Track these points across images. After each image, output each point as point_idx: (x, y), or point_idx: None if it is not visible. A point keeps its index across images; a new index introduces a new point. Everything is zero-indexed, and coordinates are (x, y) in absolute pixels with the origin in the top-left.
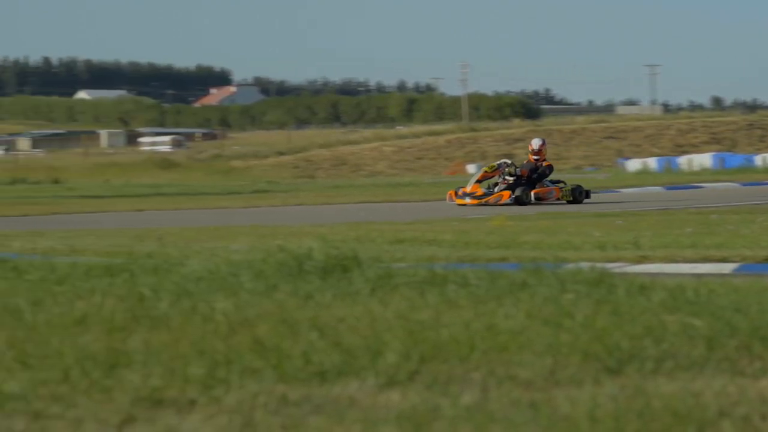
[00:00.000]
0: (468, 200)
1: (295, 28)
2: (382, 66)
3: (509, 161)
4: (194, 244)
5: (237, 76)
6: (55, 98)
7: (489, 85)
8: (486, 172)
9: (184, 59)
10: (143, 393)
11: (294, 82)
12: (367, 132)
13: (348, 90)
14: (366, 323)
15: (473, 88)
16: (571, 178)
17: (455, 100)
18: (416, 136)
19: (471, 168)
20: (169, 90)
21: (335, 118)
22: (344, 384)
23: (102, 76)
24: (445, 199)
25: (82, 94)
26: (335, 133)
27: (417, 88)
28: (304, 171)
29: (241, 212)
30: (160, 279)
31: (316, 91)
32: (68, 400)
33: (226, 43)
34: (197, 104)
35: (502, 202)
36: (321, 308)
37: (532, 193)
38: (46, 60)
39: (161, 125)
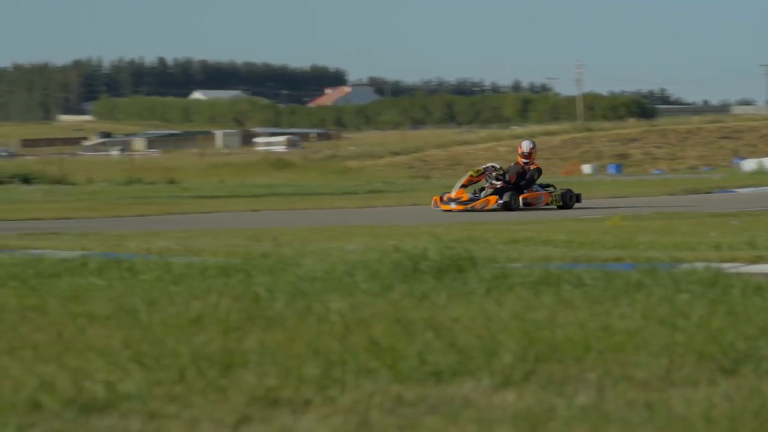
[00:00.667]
0: (453, 206)
1: (410, 29)
2: (497, 66)
3: (497, 165)
4: (309, 244)
5: (352, 76)
6: (170, 99)
7: (604, 85)
8: (472, 176)
9: (299, 59)
10: (258, 393)
11: (409, 82)
12: (482, 132)
13: (463, 90)
14: (481, 323)
15: (588, 88)
16: (685, 179)
17: (570, 100)
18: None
19: (586, 168)
20: (284, 90)
21: (450, 118)
22: (459, 384)
23: (217, 76)
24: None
25: (197, 95)
26: (450, 133)
27: (532, 88)
28: (419, 171)
29: (356, 212)
30: (276, 279)
31: (431, 91)
32: (184, 400)
33: (342, 43)
34: (312, 104)
35: (488, 207)
36: (436, 308)
37: (521, 198)
38: (162, 61)
39: (276, 125)
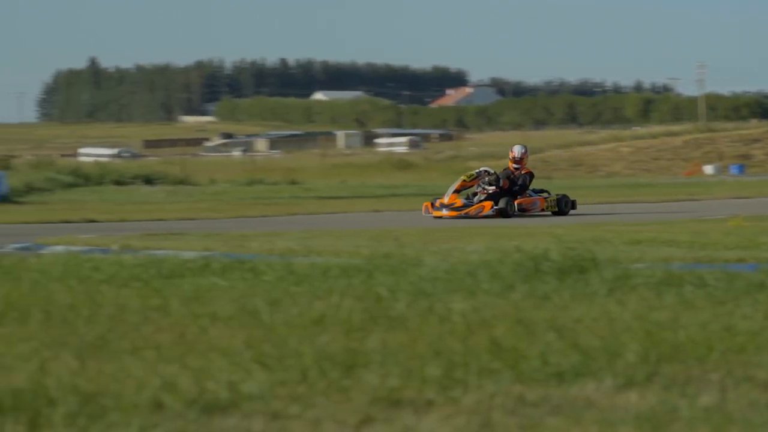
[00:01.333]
0: (445, 212)
1: (532, 29)
2: (618, 66)
3: (491, 170)
4: (431, 244)
5: (473, 76)
6: (292, 99)
7: (726, 86)
8: (464, 181)
9: (420, 60)
10: (381, 393)
11: (530, 82)
12: (604, 132)
13: (584, 90)
14: (603, 324)
15: (710, 88)
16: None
17: (692, 101)
18: (653, 136)
19: (708, 169)
20: (406, 91)
21: (571, 118)
22: (582, 385)
23: (338, 77)
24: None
25: (318, 95)
26: (572, 133)
27: (653, 89)
28: (540, 172)
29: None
30: (398, 279)
31: (553, 91)
32: (306, 400)
33: (463, 44)
34: (434, 105)
35: (483, 213)
36: (558, 309)
37: (515, 204)
38: (283, 61)
39: (398, 126)
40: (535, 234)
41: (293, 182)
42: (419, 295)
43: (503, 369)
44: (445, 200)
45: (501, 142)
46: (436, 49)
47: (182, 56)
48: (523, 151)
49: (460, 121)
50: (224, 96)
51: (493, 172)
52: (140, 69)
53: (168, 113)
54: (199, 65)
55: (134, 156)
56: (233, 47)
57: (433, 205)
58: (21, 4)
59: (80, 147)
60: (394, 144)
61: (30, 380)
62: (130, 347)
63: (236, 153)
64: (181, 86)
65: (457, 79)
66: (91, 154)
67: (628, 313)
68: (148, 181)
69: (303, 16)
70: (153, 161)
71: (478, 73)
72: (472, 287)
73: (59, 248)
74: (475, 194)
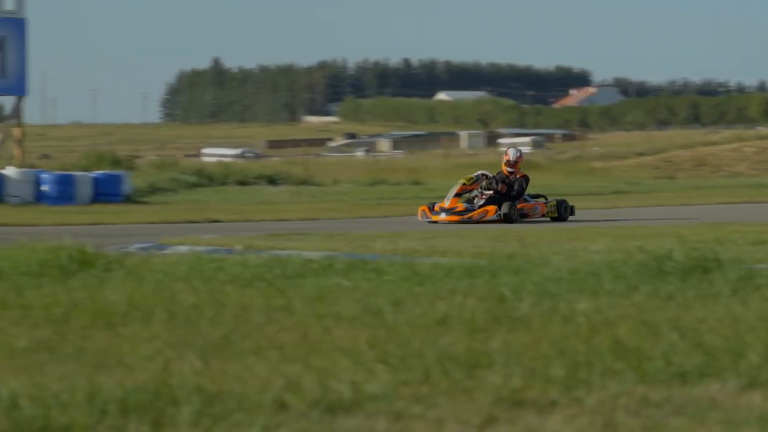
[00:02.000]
0: (444, 216)
1: (655, 29)
2: (742, 66)
3: (489, 174)
4: (554, 244)
5: (596, 76)
6: (414, 100)
7: None
8: (464, 185)
9: (543, 60)
10: (504, 393)
11: (654, 82)
12: (727, 132)
13: (708, 90)
14: (727, 324)
15: None
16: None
17: None
18: None
19: None
20: (529, 91)
21: (695, 118)
22: (705, 385)
23: (462, 77)
24: None
25: (441, 96)
26: (695, 133)
27: None
28: (663, 172)
29: (601, 213)
30: (521, 280)
31: (676, 91)
32: (429, 400)
33: (586, 44)
34: (556, 105)
35: (487, 218)
36: (681, 309)
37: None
38: (407, 62)
39: (521, 126)
40: (658, 234)
41: (416, 182)
42: (543, 295)
43: (626, 369)
44: (446, 204)
45: (624, 142)
46: (560, 49)
47: (305, 56)
48: (518, 154)
49: (583, 121)
50: (347, 96)
51: (491, 176)
52: (263, 69)
53: (291, 113)
54: (323, 65)
55: (257, 156)
56: (356, 47)
57: (431, 209)
58: (145, 6)
59: (203, 147)
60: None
61: (154, 380)
62: (254, 347)
63: (359, 153)
64: (305, 86)
65: (581, 79)
66: (215, 155)
67: (751, 314)
68: (272, 181)
69: (426, 16)
70: (276, 161)
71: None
72: (596, 287)
73: (183, 248)
74: (473, 199)
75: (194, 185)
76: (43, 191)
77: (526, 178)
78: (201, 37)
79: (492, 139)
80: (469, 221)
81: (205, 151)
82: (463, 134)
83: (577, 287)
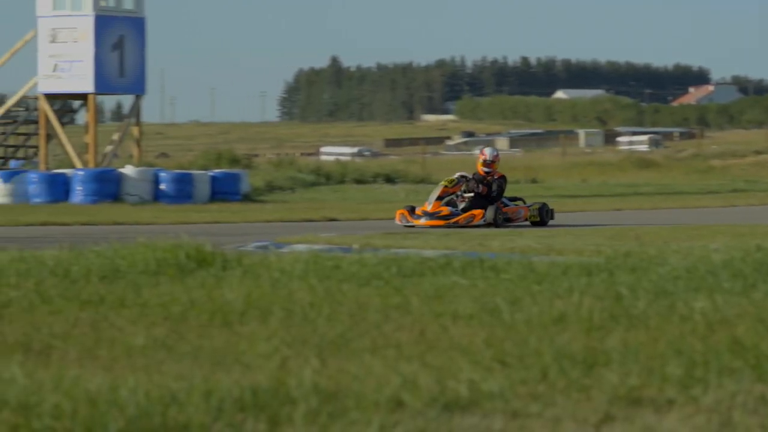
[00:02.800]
0: (424, 221)
1: None
2: None
3: (468, 175)
4: (672, 243)
5: (715, 74)
6: (532, 98)
7: None
8: (446, 187)
9: (662, 58)
10: (621, 392)
11: None
12: None
13: None
14: None
15: None
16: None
17: None
18: None
19: None
20: (647, 89)
21: None
22: None
23: (580, 75)
24: None
25: (559, 94)
26: None
27: None
28: None
29: (719, 211)
30: (638, 278)
31: None
32: (546, 399)
33: (705, 42)
34: (675, 103)
35: (474, 222)
36: None
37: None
38: (525, 60)
39: (639, 124)
40: None
41: (534, 181)
42: (660, 293)
43: (744, 368)
44: (429, 208)
45: (743, 140)
46: (678, 48)
47: (424, 55)
48: (495, 154)
49: (702, 119)
50: (465, 94)
51: (471, 177)
52: (381, 68)
53: (409, 112)
54: (441, 64)
55: (375, 155)
56: (475, 46)
57: (411, 212)
58: (264, 5)
59: (321, 146)
60: (634, 143)
61: (271, 378)
62: (371, 345)
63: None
64: (423, 85)
65: (699, 77)
66: (332, 153)
67: None
68: (389, 179)
69: (545, 15)
70: (394, 160)
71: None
72: (714, 286)
73: (300, 247)
74: (454, 202)
75: (312, 184)
76: (161, 190)
77: (504, 179)
78: (319, 36)
79: (610, 138)
80: (455, 225)
81: (323, 149)
82: (581, 133)
83: (695, 285)
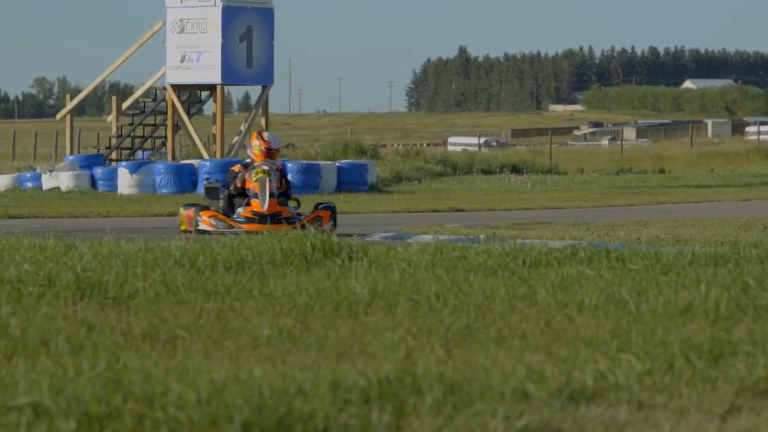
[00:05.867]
0: (255, 225)
1: None
2: None
3: (268, 166)
4: None
5: None
6: (661, 88)
7: None
8: (271, 181)
9: None
10: (747, 383)
11: None
12: None
13: None
14: None
15: None
16: None
17: None
18: None
19: None
20: None
21: None
22: None
23: (709, 65)
24: None
25: (688, 84)
26: None
27: None
28: None
29: None
30: (766, 269)
31: None
32: (672, 390)
33: None
34: None
35: (324, 226)
36: None
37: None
38: (653, 50)
39: (767, 114)
40: None
41: (661, 171)
42: None
43: None
44: (265, 207)
45: None
46: None
47: (551, 45)
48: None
49: None
50: (593, 85)
51: (276, 169)
52: (509, 58)
53: (537, 102)
54: (568, 54)
55: (501, 145)
56: (603, 36)
57: (228, 214)
58: None
59: (448, 136)
60: (763, 132)
61: (396, 369)
62: (496, 336)
63: (604, 142)
64: (550, 75)
65: None
66: (459, 144)
67: None
68: (516, 170)
69: (674, 4)
70: (521, 150)
71: None
72: None
73: (427, 237)
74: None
75: (439, 174)
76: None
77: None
78: (447, 26)
79: (738, 128)
80: (301, 229)
81: (450, 140)
82: (709, 123)
83: None
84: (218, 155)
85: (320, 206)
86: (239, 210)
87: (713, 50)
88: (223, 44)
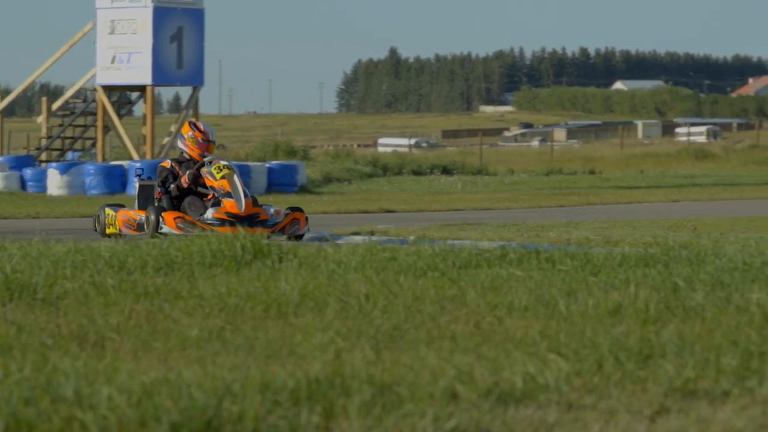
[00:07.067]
0: (230, 228)
1: None
2: None
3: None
4: (729, 234)
5: None
6: (591, 89)
7: None
8: (241, 179)
9: (721, 49)
10: (676, 384)
11: None
12: None
13: None
14: None
15: None
16: None
17: None
18: None
19: None
20: (706, 80)
21: None
22: None
23: (639, 66)
24: None
25: (618, 85)
26: None
27: None
28: None
29: None
30: (695, 270)
31: None
32: (601, 391)
33: (765, 32)
34: (734, 94)
35: (302, 229)
36: None
37: None
38: (584, 51)
39: (697, 115)
40: None
41: (591, 172)
42: (716, 285)
43: None
44: (242, 209)
45: None
46: (738, 38)
47: (482, 46)
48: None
49: (761, 110)
50: (523, 86)
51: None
52: (440, 59)
53: (467, 103)
54: (499, 55)
55: (432, 146)
56: (533, 37)
57: (201, 214)
58: None
59: (379, 137)
60: (693, 134)
61: (326, 370)
62: (426, 337)
63: (534, 143)
64: (481, 76)
65: (759, 68)
66: (389, 145)
67: None
68: (446, 171)
69: (604, 5)
70: (451, 151)
71: None
72: None
73: (357, 238)
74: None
75: (369, 175)
76: None
77: None
78: (378, 27)
79: (668, 129)
80: (280, 234)
81: (381, 141)
82: (639, 124)
83: (751, 277)
84: (148, 156)
85: (288, 209)
86: (210, 210)
87: (644, 51)
88: (153, 45)
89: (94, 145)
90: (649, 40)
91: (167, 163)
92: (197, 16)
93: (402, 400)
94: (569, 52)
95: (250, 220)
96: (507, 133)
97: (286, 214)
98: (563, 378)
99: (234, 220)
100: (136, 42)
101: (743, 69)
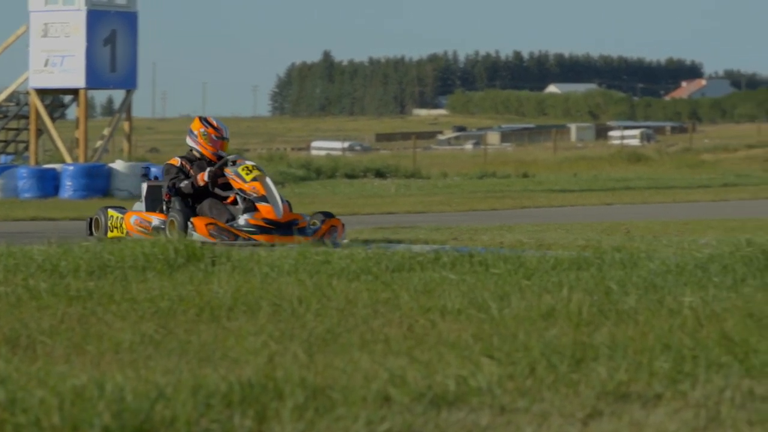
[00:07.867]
0: (268, 236)
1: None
2: None
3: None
4: (662, 237)
5: (708, 68)
6: (525, 92)
7: None
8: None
9: (654, 52)
10: (609, 387)
11: (765, 74)
12: None
13: None
14: None
15: None
16: None
17: None
18: None
19: None
20: (639, 83)
21: None
22: None
23: (572, 69)
24: None
25: (551, 88)
26: None
27: None
28: None
29: (710, 206)
30: (628, 273)
31: None
32: (534, 394)
33: (697, 36)
34: (667, 97)
35: (339, 237)
36: None
37: None
38: (517, 54)
39: (631, 118)
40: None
41: (525, 175)
42: (649, 288)
43: (733, 363)
44: (279, 215)
45: (735, 134)
46: (671, 42)
47: (416, 49)
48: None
49: (694, 113)
50: (457, 89)
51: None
52: (373, 62)
53: (401, 106)
54: (433, 58)
55: (365, 149)
56: (467, 40)
57: (232, 222)
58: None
59: (312, 140)
60: (626, 137)
61: (259, 373)
62: (359, 341)
63: (468, 146)
64: (414, 79)
65: (692, 72)
66: (323, 148)
67: None
68: (380, 174)
69: (537, 9)
70: (385, 155)
71: (712, 66)
72: (703, 280)
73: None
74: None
75: (302, 179)
76: None
77: None
78: (312, 30)
79: (602, 132)
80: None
81: (314, 144)
82: (573, 127)
83: (684, 280)
84: (81, 159)
85: (317, 214)
86: (245, 217)
87: (577, 55)
88: (87, 48)
89: (27, 148)
90: (582, 44)
91: (176, 161)
92: (131, 19)
93: (335, 404)
94: (503, 56)
95: (288, 227)
96: (441, 137)
97: (323, 221)
98: (496, 381)
99: (272, 227)
100: (69, 45)
101: (677, 72)
